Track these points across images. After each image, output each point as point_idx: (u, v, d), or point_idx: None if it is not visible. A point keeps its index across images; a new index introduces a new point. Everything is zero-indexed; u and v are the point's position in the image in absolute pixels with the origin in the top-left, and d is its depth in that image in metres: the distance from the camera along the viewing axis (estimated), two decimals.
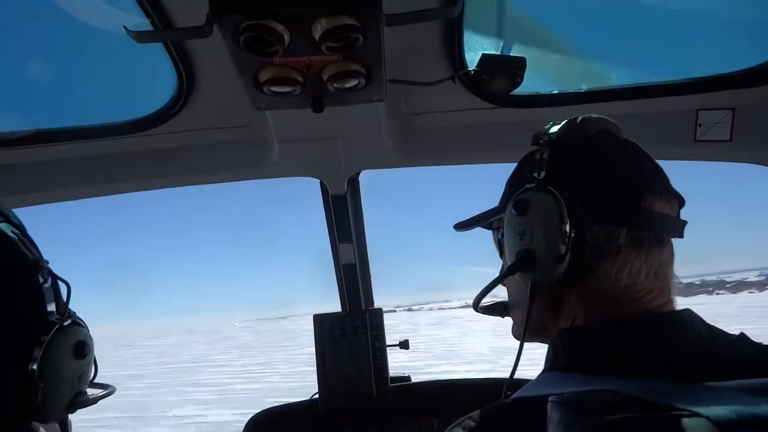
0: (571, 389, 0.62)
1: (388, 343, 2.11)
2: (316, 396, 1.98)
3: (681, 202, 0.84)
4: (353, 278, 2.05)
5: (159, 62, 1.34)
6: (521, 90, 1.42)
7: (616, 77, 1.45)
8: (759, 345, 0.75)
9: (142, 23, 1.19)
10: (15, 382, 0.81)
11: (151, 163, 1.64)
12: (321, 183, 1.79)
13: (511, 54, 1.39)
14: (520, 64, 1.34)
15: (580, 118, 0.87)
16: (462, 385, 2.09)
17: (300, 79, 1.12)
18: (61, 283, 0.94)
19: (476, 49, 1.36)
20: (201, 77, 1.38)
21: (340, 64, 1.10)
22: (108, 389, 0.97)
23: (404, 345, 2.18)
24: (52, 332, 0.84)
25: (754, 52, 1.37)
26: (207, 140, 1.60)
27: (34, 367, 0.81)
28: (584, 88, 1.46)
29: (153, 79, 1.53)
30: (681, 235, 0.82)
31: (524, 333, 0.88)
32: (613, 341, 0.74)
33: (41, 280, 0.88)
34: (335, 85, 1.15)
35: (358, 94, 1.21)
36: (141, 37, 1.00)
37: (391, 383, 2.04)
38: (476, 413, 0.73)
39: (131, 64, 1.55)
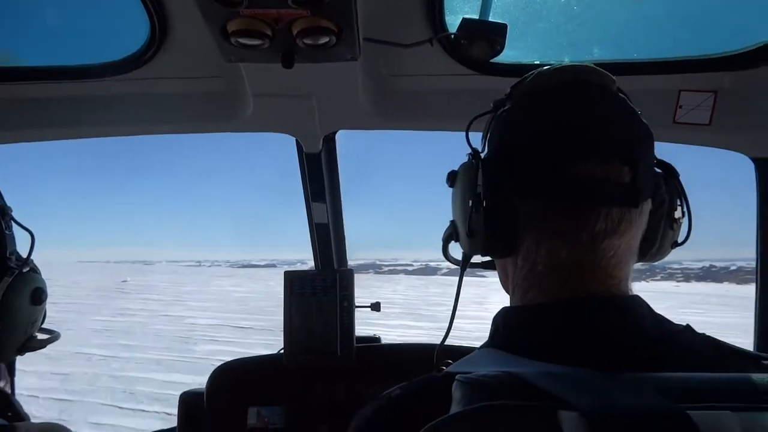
0: (486, 369, 0.61)
1: (360, 303, 2.13)
2: (282, 351, 2.00)
3: (627, 162, 0.73)
4: (326, 237, 2.04)
5: (133, 6, 1.30)
6: (503, 58, 1.39)
7: (598, 52, 1.41)
8: (702, 337, 0.74)
9: None
10: None
11: (122, 110, 1.61)
12: (296, 140, 1.76)
13: (493, 20, 1.34)
14: (500, 30, 1.30)
15: (537, 72, 0.83)
16: (430, 349, 2.11)
17: (269, 32, 1.10)
18: (25, 232, 0.94)
19: (458, 12, 1.32)
20: (174, 25, 1.35)
21: (310, 20, 1.08)
22: (53, 334, 0.98)
23: (375, 307, 2.19)
24: (13, 276, 0.85)
25: (742, 34, 1.33)
26: (180, 89, 1.57)
27: None
28: (566, 60, 1.43)
29: (127, 24, 1.49)
30: (622, 203, 0.72)
31: (456, 298, 0.90)
32: (538, 326, 0.73)
33: (4, 226, 0.89)
34: (305, 41, 1.12)
35: (329, 52, 1.19)
36: None
37: (360, 344, 2.06)
38: (402, 385, 0.73)
39: (104, 6, 1.51)
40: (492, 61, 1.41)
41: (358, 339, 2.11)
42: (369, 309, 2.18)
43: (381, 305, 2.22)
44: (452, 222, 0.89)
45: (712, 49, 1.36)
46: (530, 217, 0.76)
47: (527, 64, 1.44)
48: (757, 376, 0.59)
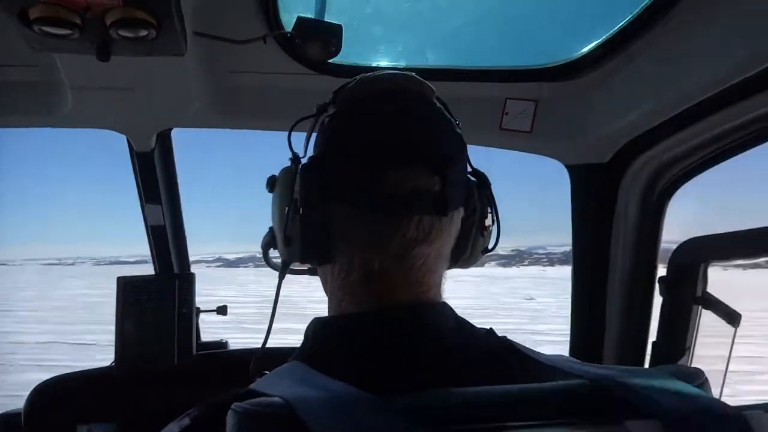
0: (278, 388, 0.60)
1: (206, 308, 2.04)
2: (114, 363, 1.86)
3: (437, 172, 0.74)
4: (163, 240, 1.93)
5: None
6: (343, 59, 1.39)
7: (432, 58, 1.46)
8: (501, 341, 0.77)
9: None
10: None
11: None
12: (126, 138, 1.64)
13: (329, 20, 1.33)
14: (335, 31, 1.29)
15: (359, 78, 0.82)
16: (277, 353, 2.06)
17: (77, 21, 1.00)
18: None
19: (292, 10, 1.29)
20: None
21: (123, 10, 1.00)
22: None
23: (222, 311, 2.11)
24: None
25: (559, 48, 1.43)
26: None
27: None
28: (403, 64, 1.46)
29: None
30: (432, 212, 0.73)
31: (275, 304, 0.88)
32: (344, 337, 0.74)
33: None
34: (120, 33, 1.03)
35: (150, 45, 1.11)
36: None
37: (203, 350, 1.97)
38: (204, 404, 0.70)
39: None
40: (331, 61, 1.41)
41: (202, 345, 2.02)
42: (215, 313, 2.11)
43: (228, 308, 2.15)
44: (270, 228, 0.86)
45: (534, 61, 1.45)
46: (345, 226, 0.75)
47: (366, 66, 1.45)
48: (520, 388, 0.62)
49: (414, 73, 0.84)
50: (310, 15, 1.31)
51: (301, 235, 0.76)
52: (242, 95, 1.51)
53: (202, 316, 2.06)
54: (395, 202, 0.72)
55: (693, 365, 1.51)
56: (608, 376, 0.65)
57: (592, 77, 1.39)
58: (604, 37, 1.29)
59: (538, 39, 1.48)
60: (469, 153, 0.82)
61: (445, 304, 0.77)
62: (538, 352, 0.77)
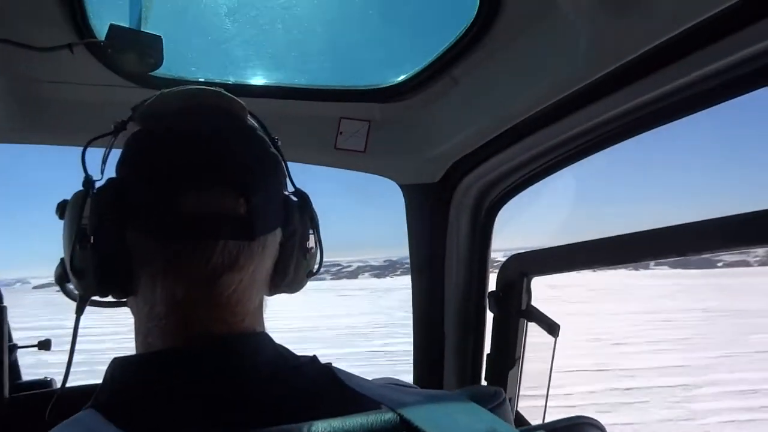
0: None
1: (25, 343, 1.82)
2: None
3: (242, 193, 0.69)
4: None
5: None
6: (167, 72, 1.31)
7: (263, 74, 1.42)
8: (323, 369, 0.73)
9: None
10: None
11: None
12: None
13: (147, 30, 1.24)
14: (154, 43, 1.21)
15: (159, 94, 0.76)
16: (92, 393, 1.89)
17: None
18: None
19: (104, 17, 1.20)
20: None
21: None
22: None
23: (44, 345, 1.90)
24: None
25: (394, 69, 1.45)
26: None
27: None
28: (232, 80, 1.40)
29: None
30: (238, 236, 0.69)
31: (73, 342, 0.77)
32: (144, 380, 0.67)
33: None
34: None
35: None
36: None
37: (21, 392, 1.75)
38: None
39: None
40: (155, 74, 1.32)
41: (21, 386, 1.80)
42: (36, 348, 1.89)
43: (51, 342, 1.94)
44: (62, 260, 0.76)
45: (366, 81, 1.46)
46: (144, 254, 0.69)
47: (192, 80, 1.38)
48: (321, 425, 0.59)
49: (223, 89, 0.79)
50: (125, 24, 1.22)
51: (93, 267, 0.69)
52: (53, 108, 1.37)
53: (41, 355, 1.92)
54: (195, 227, 0.67)
55: (523, 375, 1.58)
56: (409, 404, 0.63)
57: (420, 99, 1.42)
58: (428, 60, 1.32)
59: (369, 61, 1.49)
60: None
61: (264, 334, 0.72)
62: (360, 379, 0.74)
